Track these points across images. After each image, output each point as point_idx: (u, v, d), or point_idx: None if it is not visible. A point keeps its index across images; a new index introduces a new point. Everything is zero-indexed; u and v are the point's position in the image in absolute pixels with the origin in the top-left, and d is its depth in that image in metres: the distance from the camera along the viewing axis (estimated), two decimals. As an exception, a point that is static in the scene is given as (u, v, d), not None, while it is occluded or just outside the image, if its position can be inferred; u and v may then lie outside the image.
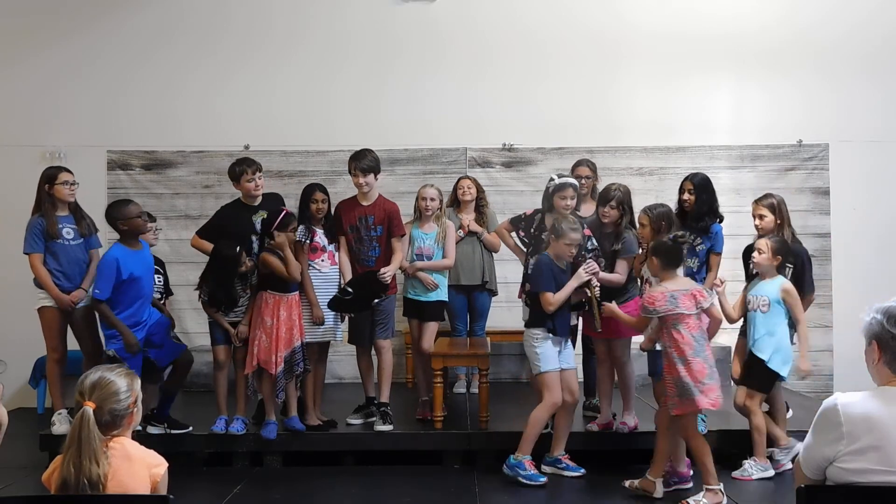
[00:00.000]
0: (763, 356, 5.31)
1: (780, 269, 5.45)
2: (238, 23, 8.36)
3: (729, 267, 6.12)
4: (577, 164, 6.57)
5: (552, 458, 5.50)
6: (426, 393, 6.28)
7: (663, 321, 4.91)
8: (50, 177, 6.01)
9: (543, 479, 5.29)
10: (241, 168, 6.02)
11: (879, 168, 8.22)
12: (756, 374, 5.35)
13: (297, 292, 5.82)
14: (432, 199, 6.31)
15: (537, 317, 5.36)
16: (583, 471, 5.45)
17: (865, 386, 2.74)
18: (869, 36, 8.24)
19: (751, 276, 5.68)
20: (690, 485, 5.12)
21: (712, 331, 5.10)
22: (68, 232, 6.00)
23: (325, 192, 6.04)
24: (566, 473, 5.46)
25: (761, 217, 5.69)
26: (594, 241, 5.63)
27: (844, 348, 7.67)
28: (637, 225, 5.67)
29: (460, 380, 7.45)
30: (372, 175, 5.98)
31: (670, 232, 5.17)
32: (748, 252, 5.72)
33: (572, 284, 5.32)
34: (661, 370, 5.05)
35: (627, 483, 5.14)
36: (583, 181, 6.30)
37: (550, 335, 5.32)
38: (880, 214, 8.16)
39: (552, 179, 5.78)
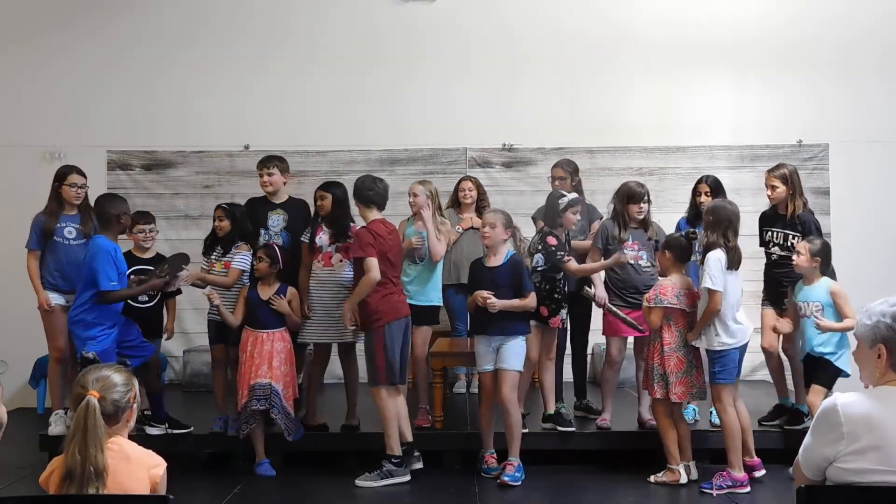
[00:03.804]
0: (829, 354, 5.31)
1: (823, 270, 5.45)
2: (239, 24, 8.36)
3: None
4: (553, 165, 6.46)
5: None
6: (424, 401, 6.13)
7: (661, 312, 5.32)
8: (61, 175, 6.04)
9: (494, 473, 5.44)
10: (259, 162, 6.29)
11: (879, 168, 8.23)
12: (821, 372, 5.32)
13: (277, 330, 5.68)
14: (416, 196, 6.06)
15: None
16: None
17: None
18: (870, 37, 8.25)
19: (764, 241, 5.88)
20: (748, 489, 5.12)
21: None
22: (70, 231, 6.00)
23: (324, 188, 5.95)
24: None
25: (773, 188, 5.79)
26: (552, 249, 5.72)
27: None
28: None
29: (460, 380, 7.44)
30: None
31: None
32: (764, 219, 5.94)
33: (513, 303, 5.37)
34: (710, 369, 5.26)
35: (652, 478, 5.35)
36: (556, 182, 6.27)
37: (480, 335, 5.45)
38: (880, 214, 8.16)
39: (563, 196, 5.74)
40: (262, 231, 6.12)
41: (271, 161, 6.21)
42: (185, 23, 8.33)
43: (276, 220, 6.13)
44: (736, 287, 5.25)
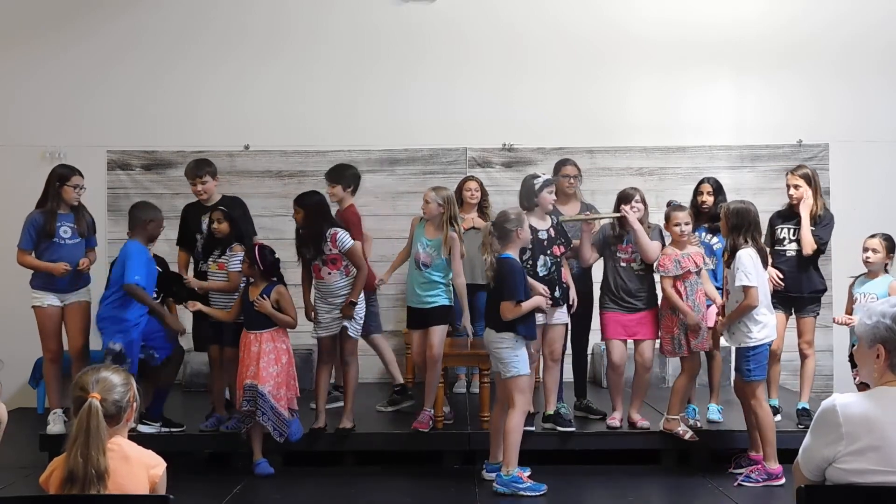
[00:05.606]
0: None
1: (886, 268, 5.66)
2: (239, 24, 8.34)
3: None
4: (564, 163, 6.41)
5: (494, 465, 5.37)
6: (430, 403, 5.91)
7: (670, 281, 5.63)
8: (62, 176, 6.04)
9: (544, 488, 5.15)
10: (190, 172, 6.28)
11: (879, 168, 8.22)
12: None
13: (265, 331, 5.61)
14: (427, 203, 5.96)
15: (509, 321, 5.14)
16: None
17: (864, 386, 2.76)
18: (871, 37, 8.23)
19: (777, 239, 6.02)
20: (783, 481, 5.19)
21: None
22: (66, 231, 6.02)
23: (296, 202, 5.84)
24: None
25: (796, 187, 5.94)
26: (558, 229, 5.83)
27: (844, 348, 7.65)
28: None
29: (460, 380, 7.44)
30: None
31: None
32: (778, 216, 6.13)
33: (535, 302, 5.23)
34: (744, 367, 5.33)
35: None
36: (571, 180, 6.28)
37: (523, 339, 5.20)
38: (880, 214, 8.14)
39: (537, 177, 5.79)
40: (198, 235, 6.17)
41: (202, 168, 6.18)
42: (185, 23, 8.32)
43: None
44: (764, 283, 5.38)
